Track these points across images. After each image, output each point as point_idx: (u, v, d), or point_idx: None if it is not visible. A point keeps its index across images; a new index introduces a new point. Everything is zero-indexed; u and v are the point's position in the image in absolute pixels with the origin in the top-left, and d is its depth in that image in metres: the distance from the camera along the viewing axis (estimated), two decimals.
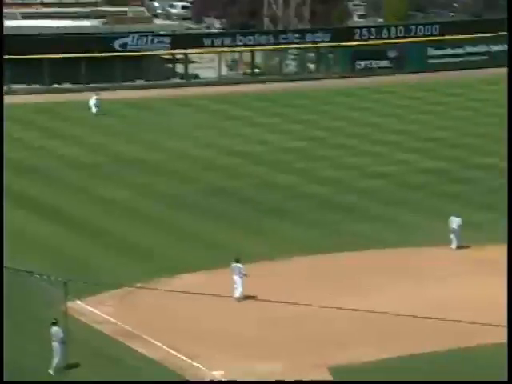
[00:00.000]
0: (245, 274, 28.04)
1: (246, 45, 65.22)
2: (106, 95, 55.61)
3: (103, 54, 59.80)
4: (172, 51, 63.96)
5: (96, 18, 64.98)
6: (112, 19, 64.00)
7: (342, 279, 30.01)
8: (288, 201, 38.47)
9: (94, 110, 54.02)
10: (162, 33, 64.27)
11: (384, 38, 68.07)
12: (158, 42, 62.99)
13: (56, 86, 60.42)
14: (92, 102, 54.09)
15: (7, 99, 56.66)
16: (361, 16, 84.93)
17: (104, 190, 39.27)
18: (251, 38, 65.56)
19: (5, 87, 59.15)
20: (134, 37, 62.05)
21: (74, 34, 61.03)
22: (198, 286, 27.53)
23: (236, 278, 28.13)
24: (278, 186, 40.48)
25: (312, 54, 68.47)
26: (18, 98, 57.16)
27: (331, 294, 28.30)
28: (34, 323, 25.64)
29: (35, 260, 30.38)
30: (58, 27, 61.90)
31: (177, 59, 65.05)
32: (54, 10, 65.89)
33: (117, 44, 61.66)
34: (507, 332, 22.43)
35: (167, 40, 63.37)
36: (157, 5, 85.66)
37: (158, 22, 69.79)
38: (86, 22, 63.87)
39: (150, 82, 62.13)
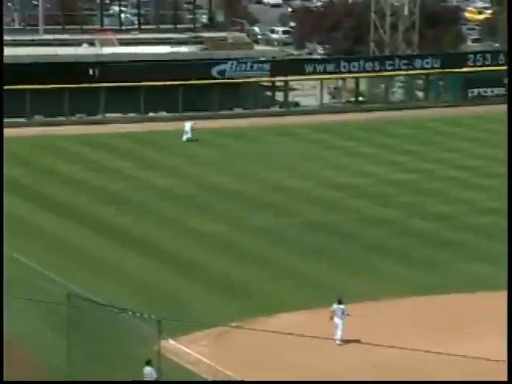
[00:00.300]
0: (348, 314, 27.91)
1: (350, 71, 65.29)
2: (202, 124, 56.40)
3: (200, 82, 60.56)
4: (272, 78, 64.48)
5: (194, 43, 66.10)
6: (211, 45, 64.87)
7: (449, 323, 29.50)
8: (392, 237, 38.14)
9: (186, 137, 54.75)
10: (261, 59, 64.80)
11: (500, 64, 67.11)
12: (258, 68, 63.54)
13: (152, 114, 61.57)
14: (186, 129, 54.97)
15: (101, 128, 58.15)
16: (475, 40, 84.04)
17: (197, 223, 39.69)
18: (356, 64, 65.61)
19: (99, 116, 60.76)
20: (232, 63, 62.76)
21: (171, 61, 62.10)
22: (297, 327, 27.48)
23: (337, 320, 27.97)
24: (381, 221, 40.20)
25: (420, 81, 68.07)
26: (113, 127, 58.39)
27: (435, 338, 27.83)
28: (127, 361, 25.94)
29: (127, 295, 30.86)
30: (155, 53, 63.12)
31: (276, 86, 65.51)
32: (152, 36, 67.41)
33: (215, 71, 62.48)
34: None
35: (267, 66, 63.89)
36: (257, 30, 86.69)
37: (258, 47, 70.44)
38: (183, 48, 64.97)
39: (248, 111, 62.60)
